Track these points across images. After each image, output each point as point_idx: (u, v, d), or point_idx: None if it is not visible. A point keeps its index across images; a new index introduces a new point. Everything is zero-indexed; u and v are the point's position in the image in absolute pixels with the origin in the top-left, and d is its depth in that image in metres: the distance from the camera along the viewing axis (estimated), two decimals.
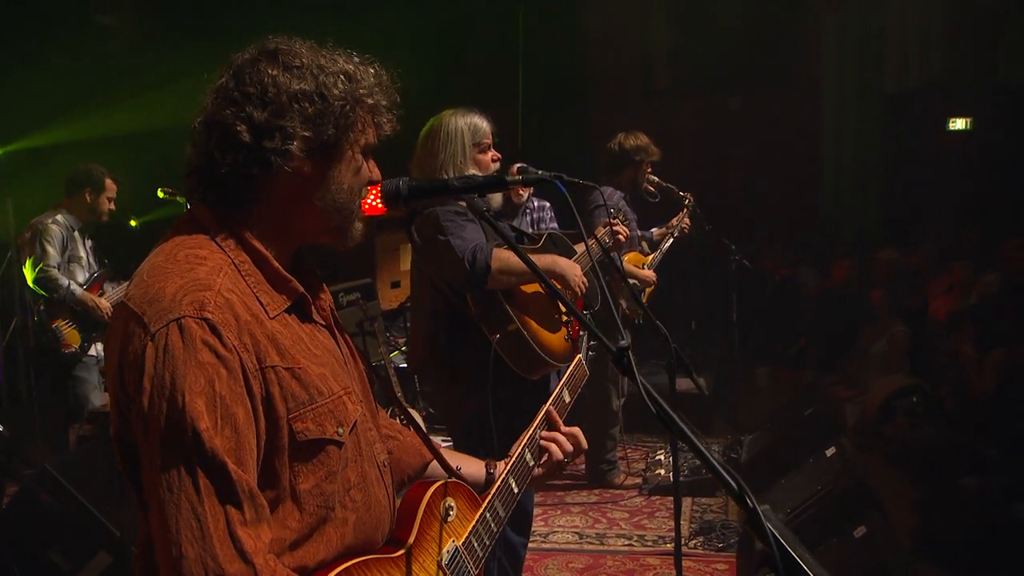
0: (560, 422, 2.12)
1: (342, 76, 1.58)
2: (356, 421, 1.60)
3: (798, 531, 4.52)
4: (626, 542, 5.19)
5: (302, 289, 1.59)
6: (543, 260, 3.50)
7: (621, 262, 4.93)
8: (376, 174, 1.70)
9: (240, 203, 1.57)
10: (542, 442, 2.06)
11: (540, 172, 2.12)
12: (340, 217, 1.64)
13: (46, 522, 4.14)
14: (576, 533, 5.32)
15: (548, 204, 5.89)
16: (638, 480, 6.09)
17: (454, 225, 3.32)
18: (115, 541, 3.95)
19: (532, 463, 2.02)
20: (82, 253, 5.36)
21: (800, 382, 8.15)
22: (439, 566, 1.71)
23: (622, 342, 1.56)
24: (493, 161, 3.51)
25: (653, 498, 5.85)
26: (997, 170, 8.91)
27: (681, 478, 5.81)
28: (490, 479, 1.99)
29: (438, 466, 1.96)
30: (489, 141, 3.49)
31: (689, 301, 8.64)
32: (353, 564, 1.55)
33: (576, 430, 2.12)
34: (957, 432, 6.06)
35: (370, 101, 1.62)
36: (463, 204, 3.40)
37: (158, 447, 1.37)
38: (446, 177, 3.35)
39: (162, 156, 6.33)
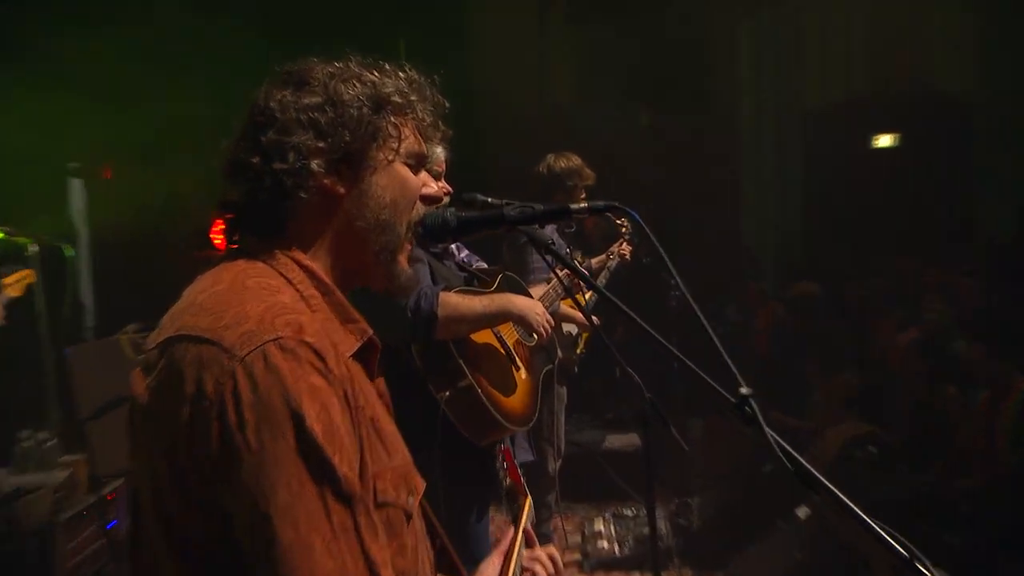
0: (536, 542, 2.14)
1: (356, 80, 1.53)
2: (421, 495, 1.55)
3: None
4: None
5: (371, 331, 1.51)
6: (496, 300, 3.18)
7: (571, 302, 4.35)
8: (433, 188, 1.61)
9: (287, 238, 1.51)
10: (525, 562, 2.06)
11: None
12: (386, 237, 1.55)
13: None
14: None
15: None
16: (576, 555, 5.53)
17: None
18: None
19: None
20: None
21: (741, 435, 7.44)
22: None
23: (742, 390, 1.47)
24: (444, 193, 3.13)
25: (595, 573, 5.29)
26: (930, 190, 8.49)
27: (627, 551, 5.46)
28: None
29: None
30: (440, 169, 3.20)
31: (611, 344, 7.67)
32: None
33: (553, 551, 2.14)
34: (922, 484, 5.52)
35: (398, 100, 1.54)
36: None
37: (275, 483, 1.21)
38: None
39: None
